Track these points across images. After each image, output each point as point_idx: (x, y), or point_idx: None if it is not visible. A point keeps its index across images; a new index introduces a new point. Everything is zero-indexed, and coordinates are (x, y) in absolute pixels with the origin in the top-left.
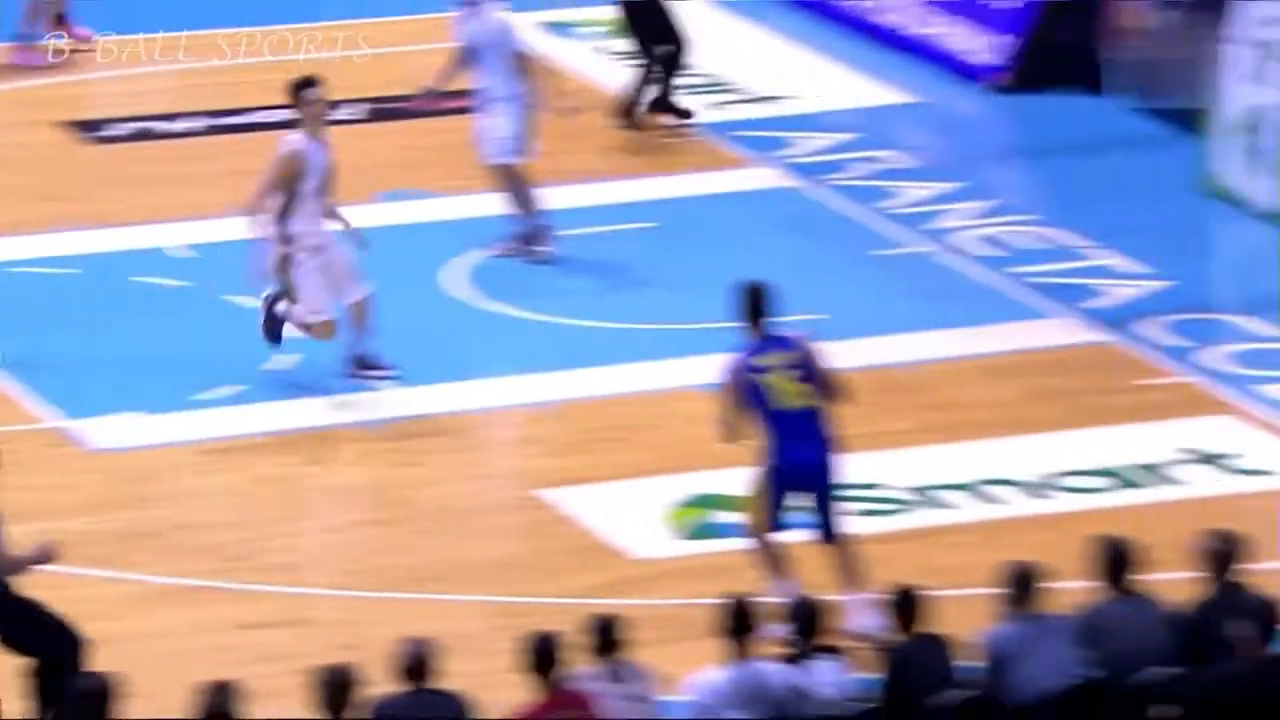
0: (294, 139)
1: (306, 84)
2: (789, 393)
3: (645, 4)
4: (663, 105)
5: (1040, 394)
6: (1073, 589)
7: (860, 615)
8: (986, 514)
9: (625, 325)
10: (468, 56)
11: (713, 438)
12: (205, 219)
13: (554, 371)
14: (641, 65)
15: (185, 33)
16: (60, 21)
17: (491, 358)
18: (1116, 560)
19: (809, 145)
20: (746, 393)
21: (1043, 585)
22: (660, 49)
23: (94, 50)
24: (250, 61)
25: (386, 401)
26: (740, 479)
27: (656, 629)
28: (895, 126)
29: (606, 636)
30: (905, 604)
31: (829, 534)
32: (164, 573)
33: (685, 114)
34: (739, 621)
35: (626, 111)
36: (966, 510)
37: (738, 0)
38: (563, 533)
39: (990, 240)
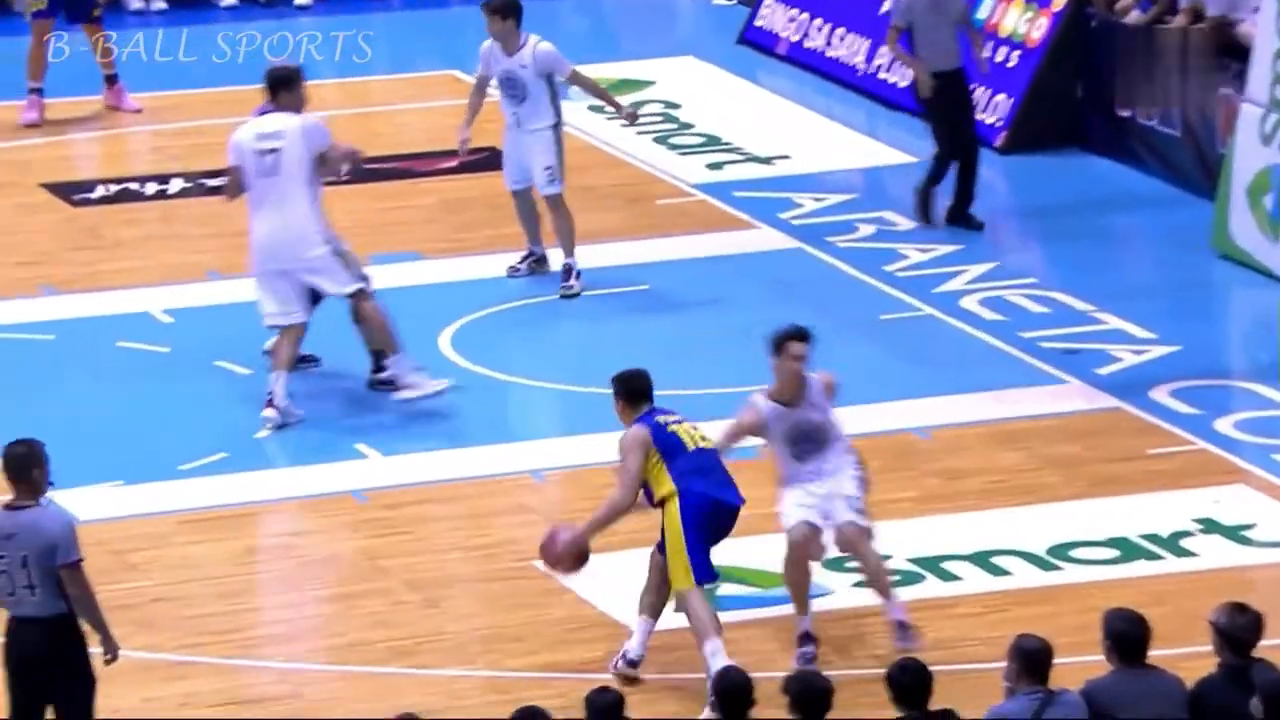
0: None
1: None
2: (695, 438)
3: (952, 90)
4: (936, 204)
5: (1048, 462)
6: (1081, 664)
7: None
8: (992, 586)
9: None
10: (508, 89)
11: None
12: (189, 283)
13: (549, 438)
14: (939, 154)
15: (167, 92)
16: (111, 83)
17: (482, 423)
18: (1127, 634)
19: (809, 206)
20: (662, 446)
21: (1051, 661)
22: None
23: (138, 114)
24: (231, 121)
25: (374, 469)
26: (746, 549)
27: (655, 705)
28: (896, 187)
29: (605, 714)
30: (911, 680)
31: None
32: (143, 646)
33: (926, 215)
34: (735, 697)
35: (922, 202)
36: (972, 582)
37: (735, 58)
38: (560, 604)
39: (995, 304)
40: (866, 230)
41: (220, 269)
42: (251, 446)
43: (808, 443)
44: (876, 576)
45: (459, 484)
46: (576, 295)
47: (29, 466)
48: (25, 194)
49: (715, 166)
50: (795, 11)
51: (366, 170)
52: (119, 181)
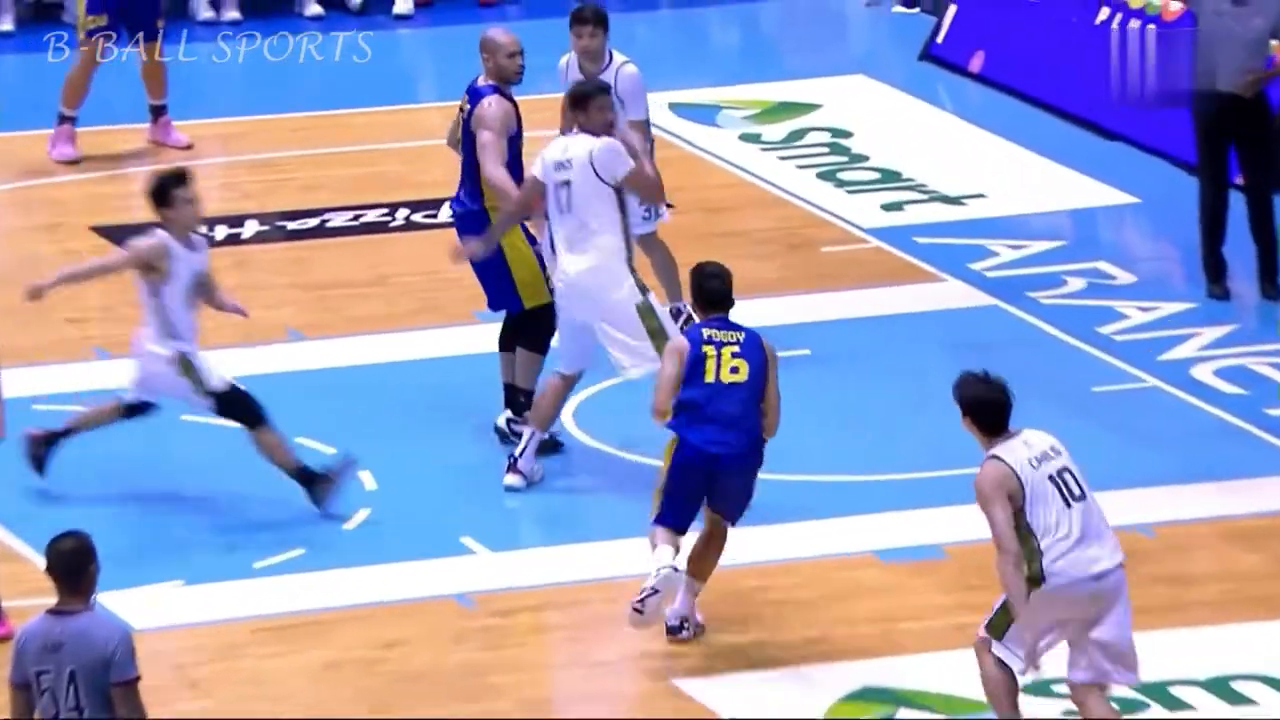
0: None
1: (176, 182)
2: (724, 369)
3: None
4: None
5: None
6: None
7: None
8: (1232, 716)
9: (773, 476)
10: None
11: (887, 614)
12: (267, 344)
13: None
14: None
15: (240, 118)
16: (157, 115)
17: (608, 513)
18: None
19: (1007, 255)
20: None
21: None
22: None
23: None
24: (314, 153)
25: (482, 567)
26: (923, 667)
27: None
28: (1112, 232)
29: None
30: None
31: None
32: None
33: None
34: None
35: (1211, 266)
36: (1206, 711)
37: (917, 77)
38: None
39: (1234, 374)
40: (1076, 284)
41: (302, 328)
42: (336, 540)
43: None
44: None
45: (582, 587)
46: None
47: (81, 564)
48: (74, 237)
49: (893, 207)
50: (991, 20)
51: None
52: None
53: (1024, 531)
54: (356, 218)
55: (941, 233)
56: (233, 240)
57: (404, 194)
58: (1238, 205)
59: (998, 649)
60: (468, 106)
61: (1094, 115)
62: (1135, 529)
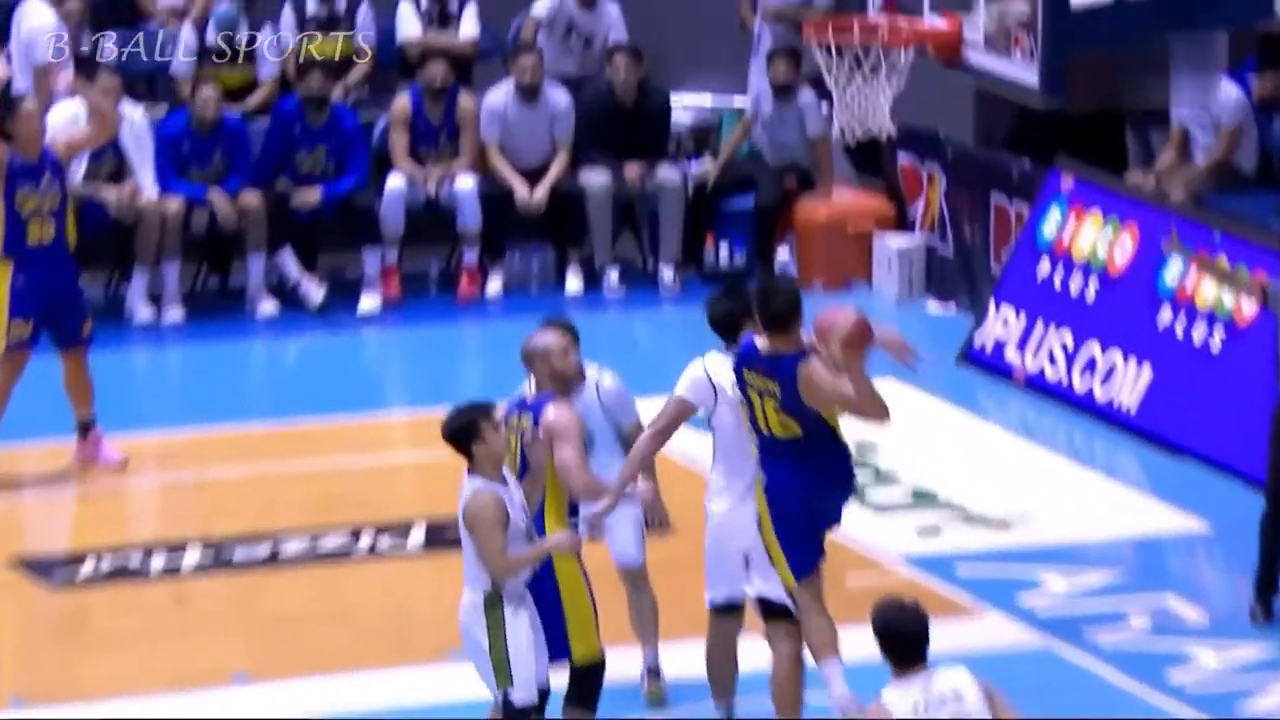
0: None
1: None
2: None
3: None
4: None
5: None
6: None
7: None
8: None
9: None
10: None
11: None
12: (209, 688)
13: None
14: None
15: (181, 431)
16: (84, 431)
17: None
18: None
19: (1060, 587)
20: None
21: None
22: None
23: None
24: (265, 467)
25: None
26: None
27: None
28: (1180, 562)
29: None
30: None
31: None
32: None
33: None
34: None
35: (1262, 594)
36: None
37: (954, 383)
38: None
39: None
40: (1140, 622)
41: (250, 670)
42: None
43: None
44: None
45: None
46: (661, 702)
47: None
48: None
49: (929, 532)
50: (1038, 321)
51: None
52: (116, 552)
53: None
54: (313, 545)
55: (985, 561)
56: (171, 572)
57: (368, 517)
58: None
59: None
60: (528, 426)
61: (1157, 428)
62: None
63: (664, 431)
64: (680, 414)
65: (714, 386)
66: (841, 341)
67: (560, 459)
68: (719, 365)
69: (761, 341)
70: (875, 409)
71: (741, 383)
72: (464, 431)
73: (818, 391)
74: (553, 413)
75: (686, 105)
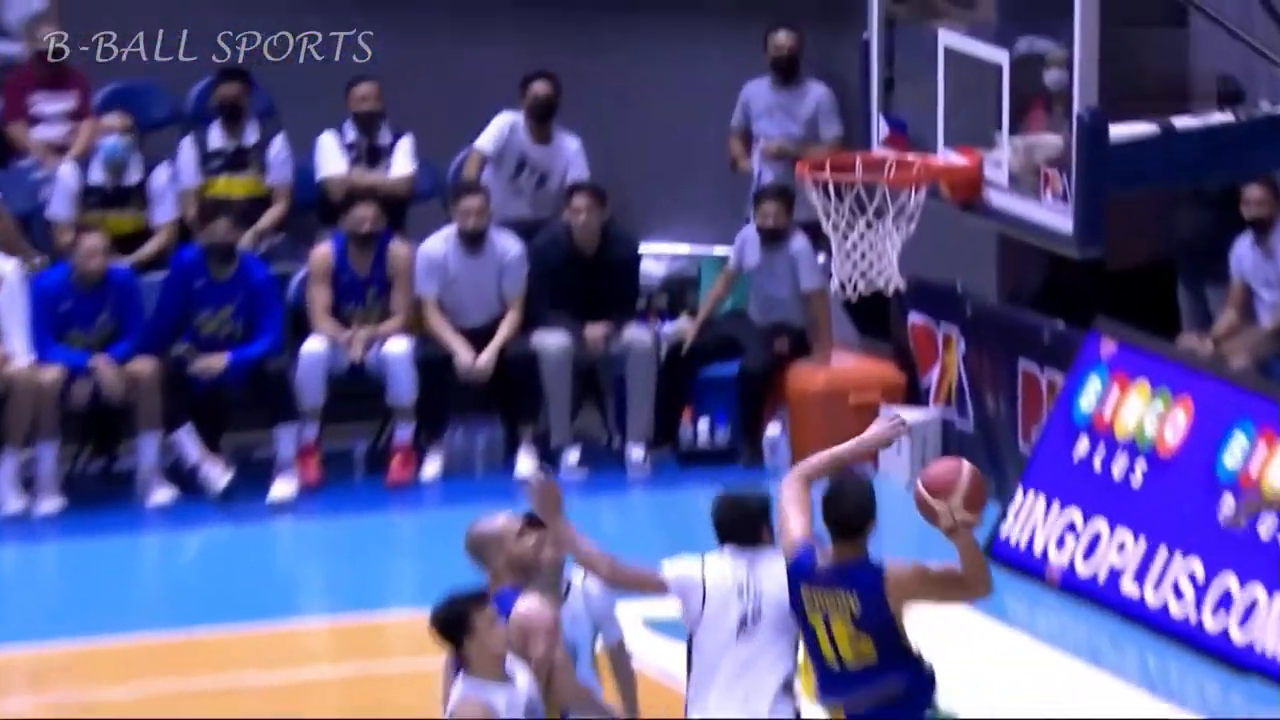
0: None
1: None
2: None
3: None
4: None
5: None
6: None
7: None
8: None
9: None
10: None
11: None
12: None
13: None
14: None
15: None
16: None
17: None
18: None
19: None
20: None
21: None
22: None
23: None
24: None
25: None
26: None
27: None
28: None
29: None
30: None
31: None
32: None
33: None
34: None
35: None
36: None
37: None
38: None
39: None
40: None
41: None
42: None
43: None
44: None
45: None
46: None
47: None
48: None
49: None
50: (1074, 511)
51: None
52: None
53: None
54: None
55: None
56: None
57: None
58: None
59: None
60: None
61: (1218, 642)
62: None
63: (630, 580)
64: (652, 584)
65: (704, 590)
66: (965, 501)
67: (540, 660)
68: (721, 569)
69: (822, 553)
70: (983, 582)
71: (797, 603)
72: (453, 623)
73: (911, 586)
74: (523, 605)
75: (658, 255)
